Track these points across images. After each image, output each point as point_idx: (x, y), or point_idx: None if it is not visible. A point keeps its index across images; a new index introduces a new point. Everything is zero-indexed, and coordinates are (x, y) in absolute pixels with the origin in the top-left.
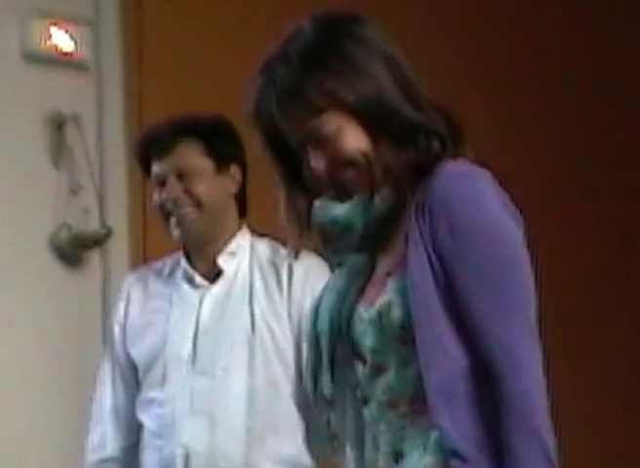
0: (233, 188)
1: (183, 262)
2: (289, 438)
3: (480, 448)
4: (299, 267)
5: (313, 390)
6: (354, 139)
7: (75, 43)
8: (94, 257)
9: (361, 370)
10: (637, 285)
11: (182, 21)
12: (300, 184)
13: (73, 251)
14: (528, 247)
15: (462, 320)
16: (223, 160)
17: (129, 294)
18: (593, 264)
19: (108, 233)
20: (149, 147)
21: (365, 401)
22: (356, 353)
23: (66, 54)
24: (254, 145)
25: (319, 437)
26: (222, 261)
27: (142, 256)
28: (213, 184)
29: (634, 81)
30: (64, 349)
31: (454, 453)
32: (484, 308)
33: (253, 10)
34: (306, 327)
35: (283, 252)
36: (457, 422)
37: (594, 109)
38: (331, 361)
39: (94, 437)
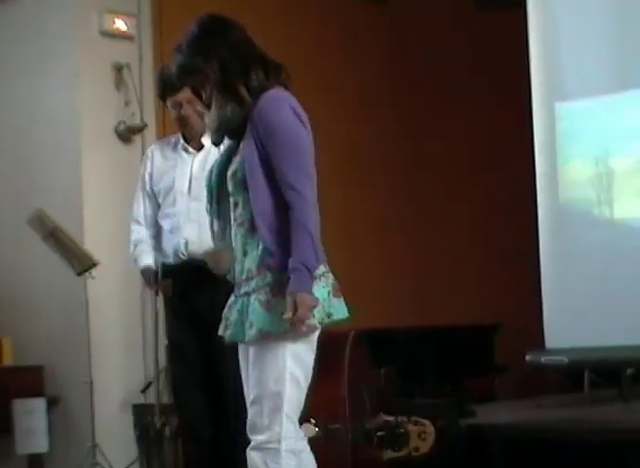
0: None
1: (181, 140)
2: None
3: (281, 247)
4: None
5: (210, 213)
6: (208, 88)
7: (127, 26)
8: (137, 139)
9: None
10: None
11: (187, 18)
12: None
13: (126, 135)
14: (315, 139)
15: (274, 176)
16: None
17: (152, 155)
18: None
19: (145, 126)
20: (164, 86)
21: (234, 222)
22: (229, 194)
23: (122, 32)
24: None
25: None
26: (204, 140)
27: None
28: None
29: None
30: (123, 187)
31: (268, 252)
32: (285, 167)
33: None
34: (206, 179)
35: None
36: (270, 233)
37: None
38: (218, 198)
39: (134, 228)
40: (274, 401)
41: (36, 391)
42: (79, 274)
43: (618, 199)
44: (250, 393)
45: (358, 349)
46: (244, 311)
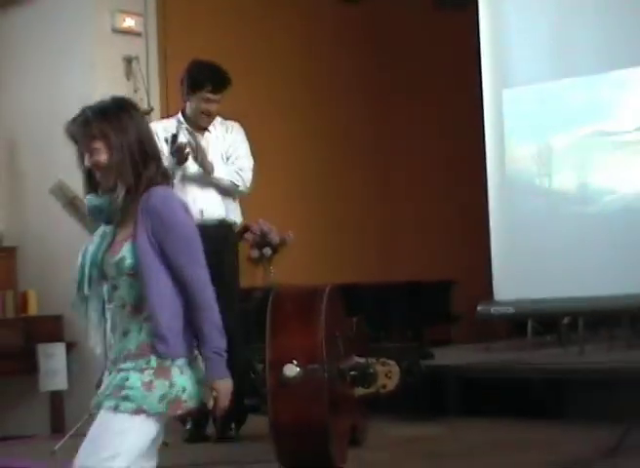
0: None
1: (185, 124)
2: None
3: (173, 333)
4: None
5: (78, 291)
6: (104, 157)
7: (136, 24)
8: (145, 120)
9: (106, 286)
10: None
11: (188, 17)
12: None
13: None
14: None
15: (171, 269)
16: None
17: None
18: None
19: (152, 109)
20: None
21: (110, 303)
22: (105, 277)
23: (132, 29)
24: None
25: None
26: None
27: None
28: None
29: None
30: None
31: (158, 337)
32: (183, 261)
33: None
34: (78, 260)
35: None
36: (164, 320)
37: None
38: (89, 279)
39: None
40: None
41: (57, 337)
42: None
43: (555, 172)
44: (84, 448)
45: (334, 301)
46: (114, 384)
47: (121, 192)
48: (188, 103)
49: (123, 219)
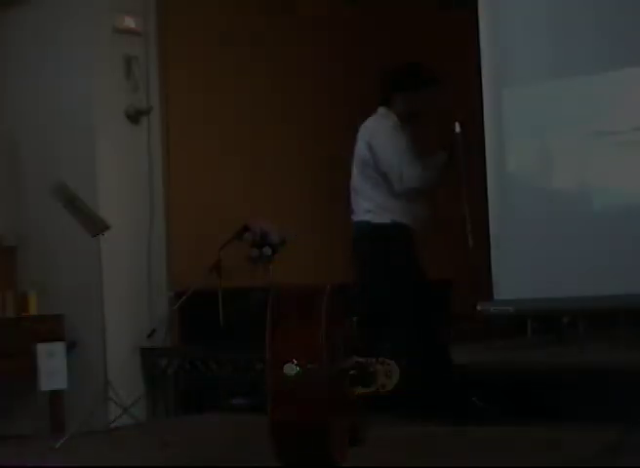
0: None
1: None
2: None
3: None
4: None
5: None
6: None
7: (136, 24)
8: (144, 119)
9: None
10: None
11: (188, 17)
12: None
13: (135, 117)
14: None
15: None
16: None
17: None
18: None
19: (151, 108)
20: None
21: None
22: None
23: (131, 29)
24: None
25: None
26: None
27: (166, 119)
28: None
29: None
30: (131, 161)
31: None
32: None
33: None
34: None
35: None
36: None
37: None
38: None
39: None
40: None
41: (57, 336)
42: (94, 236)
43: (555, 172)
44: None
45: (334, 300)
46: None
47: None
48: (400, 104)
49: None
